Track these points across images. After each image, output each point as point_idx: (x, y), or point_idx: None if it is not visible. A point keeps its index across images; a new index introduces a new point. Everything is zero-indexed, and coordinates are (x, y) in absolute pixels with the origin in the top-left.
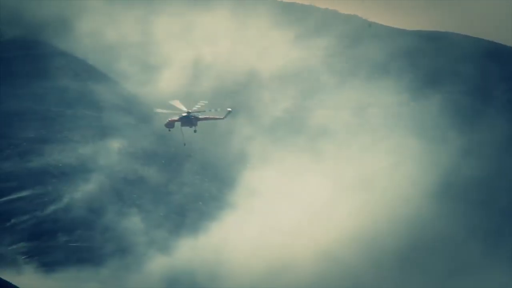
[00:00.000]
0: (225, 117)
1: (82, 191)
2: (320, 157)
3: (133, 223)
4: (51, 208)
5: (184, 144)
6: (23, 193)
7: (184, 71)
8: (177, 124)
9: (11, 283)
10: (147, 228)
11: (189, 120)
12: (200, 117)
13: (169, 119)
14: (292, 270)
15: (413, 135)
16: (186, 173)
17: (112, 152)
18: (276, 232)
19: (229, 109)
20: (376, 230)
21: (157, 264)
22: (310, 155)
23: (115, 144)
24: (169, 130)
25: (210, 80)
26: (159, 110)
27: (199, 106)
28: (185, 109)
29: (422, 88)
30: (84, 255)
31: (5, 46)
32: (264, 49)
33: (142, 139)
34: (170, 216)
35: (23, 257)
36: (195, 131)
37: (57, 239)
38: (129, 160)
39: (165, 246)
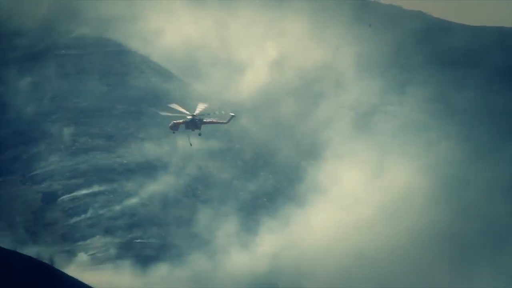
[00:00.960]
0: (228, 122)
1: (149, 188)
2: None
3: (205, 219)
4: (118, 205)
5: (191, 145)
6: (90, 190)
7: (261, 71)
8: (182, 126)
9: (77, 279)
10: (220, 224)
11: (193, 123)
12: (204, 120)
13: (174, 121)
14: (367, 261)
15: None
16: (252, 169)
17: (177, 149)
18: (350, 225)
19: (232, 114)
20: (452, 226)
21: (238, 259)
22: (386, 151)
23: (179, 142)
24: (173, 132)
25: (287, 78)
26: (163, 113)
27: (201, 109)
28: (186, 112)
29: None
30: (160, 251)
31: (72, 44)
32: (338, 45)
33: (207, 136)
34: (243, 211)
35: (92, 254)
36: (199, 134)
37: (128, 236)
38: (194, 157)
39: (245, 241)
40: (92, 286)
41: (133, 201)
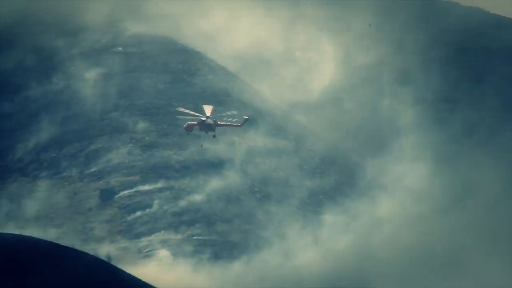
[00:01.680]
0: (242, 124)
1: (209, 185)
2: (463, 148)
3: (269, 217)
4: (175, 201)
5: (202, 145)
6: (146, 187)
7: (324, 69)
8: (196, 128)
9: (134, 276)
10: (286, 221)
11: (208, 125)
12: (219, 122)
13: (189, 123)
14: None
15: None
16: (315, 167)
17: (235, 146)
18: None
19: (246, 117)
20: None
21: (306, 256)
22: (451, 146)
23: (235, 139)
24: (188, 134)
25: (350, 75)
26: (180, 115)
27: (210, 111)
28: (199, 114)
29: None
30: (222, 248)
31: (130, 42)
32: (400, 41)
33: (263, 133)
34: (307, 208)
35: (149, 251)
36: (214, 136)
37: (186, 233)
38: (253, 155)
39: (312, 238)
40: (150, 283)
41: (193, 198)
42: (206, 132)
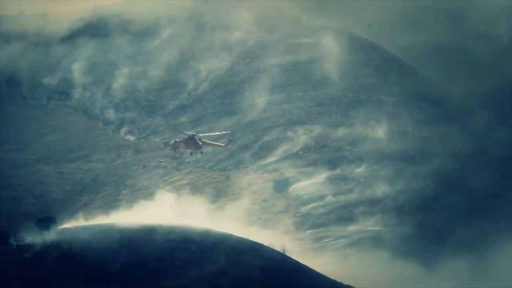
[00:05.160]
0: (226, 145)
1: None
2: None
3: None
4: (349, 193)
5: (191, 154)
6: (320, 178)
7: None
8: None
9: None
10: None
11: (194, 142)
12: (203, 141)
13: (175, 139)
14: None
15: None
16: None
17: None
18: None
19: (230, 138)
20: None
21: None
22: None
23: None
24: (175, 151)
25: None
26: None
27: (191, 133)
28: (188, 133)
29: None
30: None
31: (303, 33)
32: None
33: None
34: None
35: (324, 242)
36: (201, 152)
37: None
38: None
39: None
40: (325, 274)
41: (370, 189)
42: (192, 150)
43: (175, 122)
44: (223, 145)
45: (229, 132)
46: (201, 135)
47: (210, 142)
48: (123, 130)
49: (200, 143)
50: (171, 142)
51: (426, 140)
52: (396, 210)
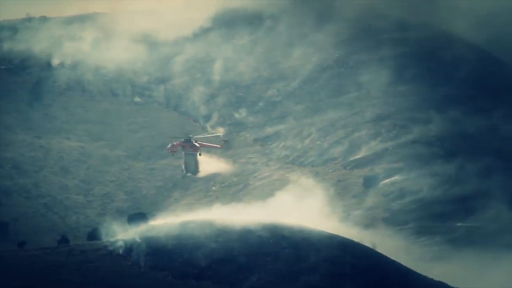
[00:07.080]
0: (222, 146)
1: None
2: None
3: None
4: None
5: (183, 170)
6: (410, 174)
7: None
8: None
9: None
10: None
11: (191, 144)
12: (200, 142)
13: (173, 143)
14: None
15: None
16: None
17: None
18: None
19: (225, 139)
20: None
21: None
22: None
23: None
24: (172, 154)
25: None
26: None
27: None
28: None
29: None
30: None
31: (389, 28)
32: None
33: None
34: None
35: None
36: (199, 154)
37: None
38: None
39: None
40: (416, 271)
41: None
42: (189, 152)
43: (266, 118)
44: (219, 146)
45: (223, 134)
46: (196, 137)
47: (207, 144)
48: (212, 125)
49: (197, 145)
50: (168, 146)
51: None
52: (493, 207)
